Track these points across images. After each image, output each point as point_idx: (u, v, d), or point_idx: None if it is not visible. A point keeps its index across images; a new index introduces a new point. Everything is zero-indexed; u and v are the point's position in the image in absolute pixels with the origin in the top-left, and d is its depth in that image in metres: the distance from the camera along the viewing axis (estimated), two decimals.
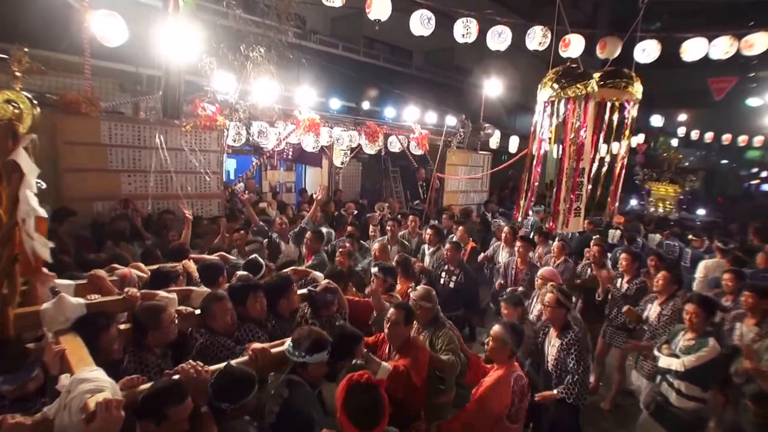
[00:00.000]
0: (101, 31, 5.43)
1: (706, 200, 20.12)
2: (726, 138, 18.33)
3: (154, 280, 3.74)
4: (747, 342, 4.26)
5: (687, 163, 19.17)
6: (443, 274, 6.08)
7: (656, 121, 21.39)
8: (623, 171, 8.25)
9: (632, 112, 7.47)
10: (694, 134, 18.88)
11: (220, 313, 3.23)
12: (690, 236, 8.70)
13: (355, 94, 12.58)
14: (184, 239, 5.24)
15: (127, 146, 6.03)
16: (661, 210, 16.67)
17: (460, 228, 7.37)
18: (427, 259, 6.65)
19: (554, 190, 6.79)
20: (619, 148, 8.33)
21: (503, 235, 7.29)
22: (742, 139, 17.91)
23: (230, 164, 12.21)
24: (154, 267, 3.92)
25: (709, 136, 18.61)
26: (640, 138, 18.40)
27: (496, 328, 3.41)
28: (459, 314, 5.99)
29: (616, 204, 8.55)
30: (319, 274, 4.47)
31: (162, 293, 3.28)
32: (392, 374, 3.16)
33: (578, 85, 6.97)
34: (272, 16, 7.52)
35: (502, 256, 7.12)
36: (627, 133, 7.97)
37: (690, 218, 15.76)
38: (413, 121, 10.00)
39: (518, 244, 6.39)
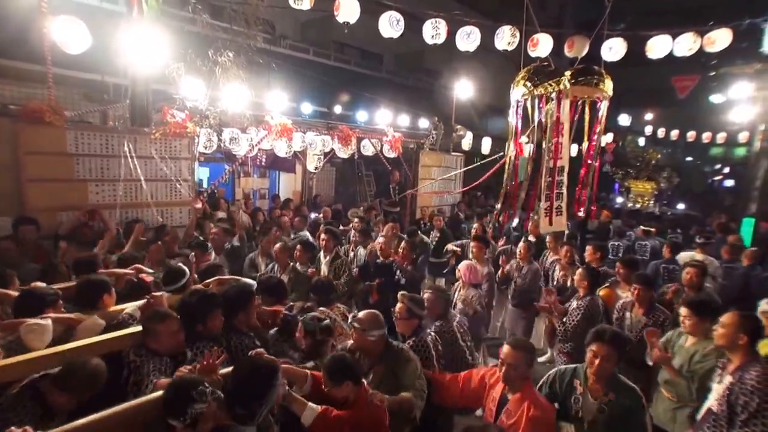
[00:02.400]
0: (62, 37, 5.25)
1: (686, 195, 20.99)
2: (691, 135, 18.84)
3: (23, 304, 3.13)
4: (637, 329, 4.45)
5: (654, 161, 19.83)
6: (397, 271, 6.10)
7: (624, 120, 21.94)
8: (599, 169, 8.42)
9: (604, 109, 7.65)
10: (661, 132, 19.36)
11: (167, 335, 2.91)
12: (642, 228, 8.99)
13: (326, 98, 12.56)
14: (103, 249, 4.93)
15: (95, 155, 5.90)
16: (639, 205, 17.43)
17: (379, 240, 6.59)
18: (323, 268, 5.89)
19: (529, 190, 6.89)
20: (590, 145, 8.50)
21: (473, 233, 7.41)
22: (706, 136, 18.40)
23: (203, 172, 12.07)
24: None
25: (674, 133, 19.09)
26: (608, 137, 18.85)
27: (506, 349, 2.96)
28: None
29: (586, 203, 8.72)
30: (250, 281, 3.96)
31: (31, 321, 2.85)
32: (327, 423, 2.64)
33: (550, 83, 7.11)
34: (240, 22, 7.45)
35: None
36: (600, 129, 8.15)
37: (672, 212, 16.68)
38: (386, 124, 10.02)
39: (472, 244, 6.44)
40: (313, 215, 9.16)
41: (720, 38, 7.84)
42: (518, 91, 7.31)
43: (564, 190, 7.79)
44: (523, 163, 7.40)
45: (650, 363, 3.92)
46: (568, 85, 7.28)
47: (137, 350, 2.88)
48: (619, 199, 19.60)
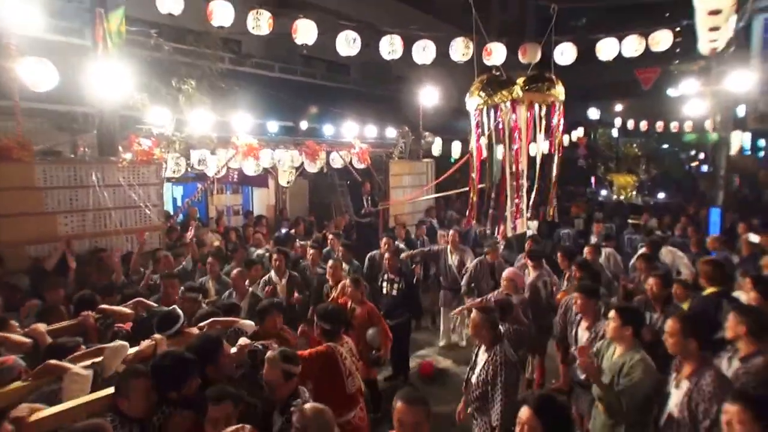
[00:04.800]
0: (30, 77, 5.44)
1: (666, 183, 21.70)
2: (659, 126, 19.31)
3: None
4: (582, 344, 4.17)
5: (633, 156, 20.46)
6: (384, 284, 6.37)
7: (593, 113, 22.47)
8: (558, 169, 8.77)
9: (558, 112, 8.00)
10: (630, 124, 19.86)
11: (139, 395, 2.73)
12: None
13: (293, 113, 12.75)
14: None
15: (64, 187, 6.05)
16: (623, 197, 18.43)
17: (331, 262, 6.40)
18: (278, 289, 5.87)
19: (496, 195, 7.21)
20: (552, 146, 8.87)
21: (449, 239, 7.65)
22: (674, 125, 18.78)
23: (177, 191, 12.20)
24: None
25: (643, 124, 19.55)
26: (579, 132, 19.35)
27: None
28: (404, 319, 6.32)
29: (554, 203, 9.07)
30: (248, 323, 3.99)
31: (74, 370, 2.93)
32: None
33: (503, 92, 7.45)
34: (206, 44, 7.68)
35: (451, 259, 7.46)
36: (558, 132, 8.49)
37: (655, 201, 17.88)
38: (353, 136, 10.27)
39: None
40: (283, 230, 9.33)
41: (663, 39, 8.22)
42: (473, 101, 7.65)
43: (524, 193, 8.16)
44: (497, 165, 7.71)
45: (582, 377, 3.94)
46: (521, 93, 7.66)
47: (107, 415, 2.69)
48: (603, 192, 20.23)
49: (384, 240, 7.30)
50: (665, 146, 25.83)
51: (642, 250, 7.10)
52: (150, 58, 7.57)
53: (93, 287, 4.69)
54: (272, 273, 6.01)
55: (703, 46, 5.66)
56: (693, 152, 26.56)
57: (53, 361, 3.01)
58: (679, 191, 20.02)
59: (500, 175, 7.77)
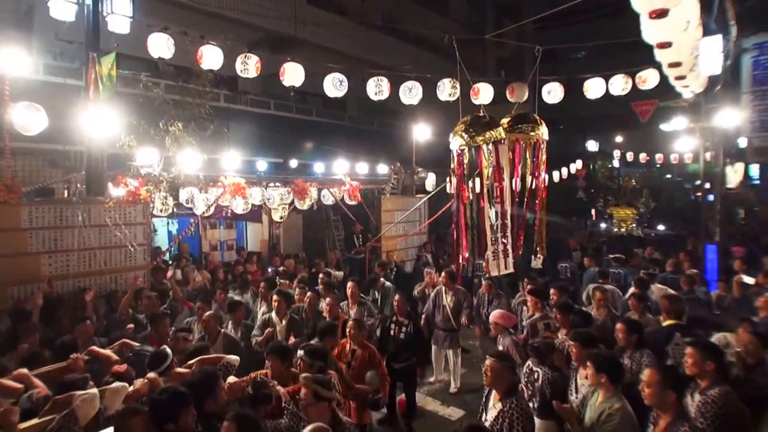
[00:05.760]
0: (21, 121, 5.54)
1: (667, 214, 21.59)
2: (659, 157, 19.34)
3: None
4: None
5: (630, 187, 20.44)
6: (392, 326, 6.34)
7: (592, 145, 22.55)
8: (544, 207, 8.77)
9: (542, 152, 8.05)
10: (629, 155, 19.92)
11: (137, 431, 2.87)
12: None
13: (284, 150, 12.88)
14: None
15: (48, 228, 6.13)
16: (624, 230, 18.37)
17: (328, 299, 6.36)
18: (278, 330, 5.88)
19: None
20: (536, 185, 8.88)
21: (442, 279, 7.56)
22: (674, 157, 18.80)
23: (173, 226, 12.26)
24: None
25: (643, 156, 19.61)
26: (578, 164, 19.39)
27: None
28: (411, 363, 6.22)
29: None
30: (233, 358, 4.08)
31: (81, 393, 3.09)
32: None
33: (486, 133, 7.56)
34: (196, 84, 7.87)
35: (446, 299, 7.41)
36: (540, 172, 8.54)
37: (656, 233, 18.01)
38: (343, 173, 10.38)
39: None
40: (270, 269, 9.33)
41: (650, 77, 8.32)
42: (456, 142, 7.75)
43: (509, 232, 8.17)
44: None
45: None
46: (503, 134, 7.76)
47: None
48: (603, 225, 20.16)
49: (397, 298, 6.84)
50: (668, 176, 25.69)
51: (631, 290, 7.06)
52: (142, 98, 7.73)
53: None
54: (273, 314, 5.98)
55: (680, 90, 5.75)
56: (698, 182, 26.33)
57: (59, 397, 3.15)
58: (685, 222, 19.82)
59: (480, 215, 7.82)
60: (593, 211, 23.23)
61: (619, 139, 22.71)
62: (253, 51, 7.24)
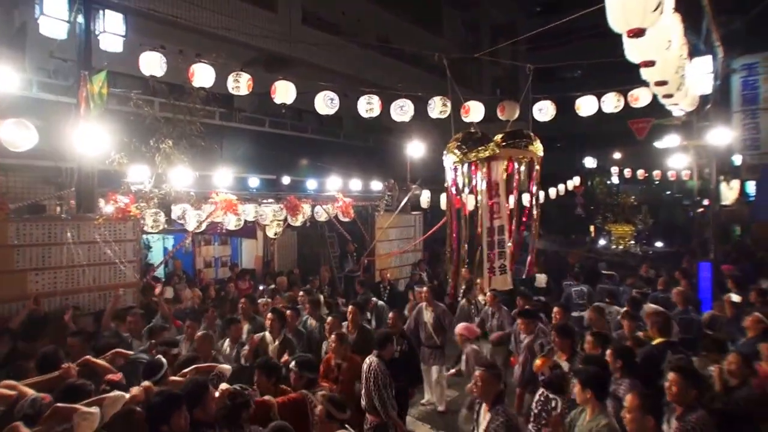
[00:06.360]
0: (9, 138, 5.54)
1: (665, 232, 21.56)
2: (657, 174, 19.38)
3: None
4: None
5: (628, 204, 20.47)
6: None
7: (590, 162, 22.58)
8: (535, 222, 8.81)
9: (536, 167, 8.12)
10: (627, 172, 19.97)
11: None
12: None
13: (279, 167, 12.89)
14: None
15: (36, 245, 6.07)
16: (622, 247, 18.45)
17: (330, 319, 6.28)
18: (271, 350, 5.79)
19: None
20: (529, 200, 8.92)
21: (422, 295, 7.53)
22: (671, 174, 18.82)
23: (168, 242, 12.23)
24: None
25: (641, 172, 19.65)
26: (576, 180, 19.40)
27: None
28: (404, 384, 6.06)
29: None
30: (226, 367, 4.14)
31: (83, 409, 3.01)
32: None
33: (479, 149, 7.60)
34: (190, 101, 7.92)
35: (426, 316, 7.36)
36: (534, 187, 8.58)
37: (654, 249, 18.11)
38: (336, 189, 10.39)
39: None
40: (261, 287, 9.25)
41: (642, 95, 8.40)
42: (450, 159, 7.78)
43: (506, 248, 8.14)
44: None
45: None
46: (497, 150, 7.80)
47: None
48: (602, 242, 20.13)
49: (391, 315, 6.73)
50: (668, 192, 25.69)
51: (623, 309, 7.01)
52: (133, 116, 7.77)
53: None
54: (266, 333, 5.88)
55: (670, 108, 5.79)
56: (698, 198, 26.31)
57: (61, 405, 3.10)
58: (677, 238, 19.82)
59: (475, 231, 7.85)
60: (592, 228, 23.18)
61: (617, 155, 22.75)
62: (248, 69, 7.31)
